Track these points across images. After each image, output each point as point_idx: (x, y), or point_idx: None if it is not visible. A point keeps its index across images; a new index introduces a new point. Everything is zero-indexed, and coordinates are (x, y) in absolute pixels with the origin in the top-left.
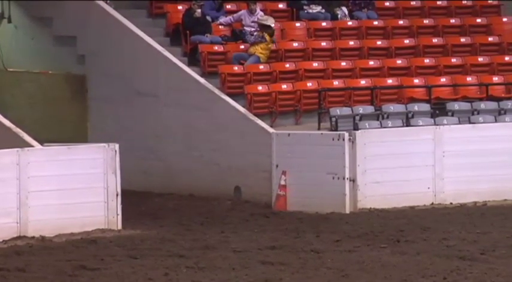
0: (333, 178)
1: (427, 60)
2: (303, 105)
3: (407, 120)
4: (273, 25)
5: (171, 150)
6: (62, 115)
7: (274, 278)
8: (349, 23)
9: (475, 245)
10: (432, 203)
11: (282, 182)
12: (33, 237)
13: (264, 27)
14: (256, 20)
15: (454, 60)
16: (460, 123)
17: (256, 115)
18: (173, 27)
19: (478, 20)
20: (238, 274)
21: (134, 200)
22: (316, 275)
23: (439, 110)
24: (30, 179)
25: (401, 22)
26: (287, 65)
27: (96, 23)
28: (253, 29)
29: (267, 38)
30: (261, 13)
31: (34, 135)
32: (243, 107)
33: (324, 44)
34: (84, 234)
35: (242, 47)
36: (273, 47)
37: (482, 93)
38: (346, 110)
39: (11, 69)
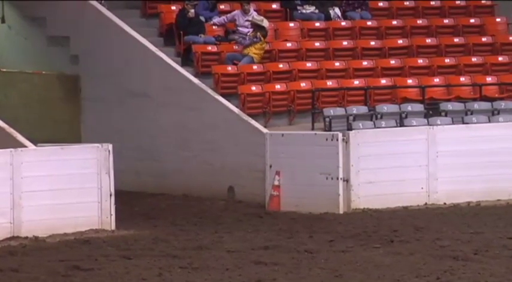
0: (327, 178)
1: (420, 61)
2: (296, 105)
3: (401, 120)
4: (267, 26)
5: (164, 150)
6: (55, 115)
7: (267, 278)
8: (343, 23)
9: (468, 245)
10: (426, 203)
11: (276, 182)
12: (26, 238)
13: (257, 28)
14: (251, 19)
15: (447, 60)
16: (453, 123)
17: (249, 115)
18: (166, 28)
19: (472, 20)
20: (232, 274)
21: (128, 200)
22: (310, 275)
23: (432, 110)
24: (24, 180)
25: (394, 22)
26: (281, 65)
27: (90, 23)
28: (246, 30)
29: (261, 38)
30: (255, 13)
31: (27, 135)
32: (237, 107)
33: (317, 44)
34: (77, 234)
35: (236, 47)
36: (266, 47)
37: (475, 93)
38: (340, 110)
39: (4, 70)
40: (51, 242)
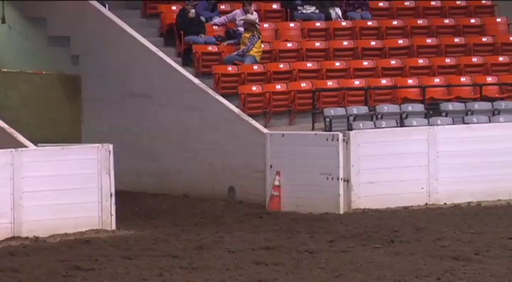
0: (327, 178)
1: (421, 61)
2: (297, 105)
3: (401, 120)
4: (256, 20)
5: (164, 150)
6: (55, 115)
7: (268, 278)
8: (343, 24)
9: (469, 245)
10: (426, 204)
11: (276, 183)
12: (27, 238)
13: (251, 26)
14: (243, 18)
15: (448, 60)
16: (454, 123)
17: (250, 115)
18: (167, 28)
19: (472, 21)
20: (232, 274)
21: (128, 201)
22: (310, 275)
23: (433, 110)
24: (24, 180)
25: (395, 22)
26: (281, 66)
27: (90, 23)
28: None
29: (259, 35)
30: (255, 14)
31: (28, 135)
32: (237, 107)
33: (318, 44)
34: (78, 234)
35: (237, 52)
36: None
37: (476, 93)
38: (340, 111)
39: (4, 70)
40: (51, 242)
